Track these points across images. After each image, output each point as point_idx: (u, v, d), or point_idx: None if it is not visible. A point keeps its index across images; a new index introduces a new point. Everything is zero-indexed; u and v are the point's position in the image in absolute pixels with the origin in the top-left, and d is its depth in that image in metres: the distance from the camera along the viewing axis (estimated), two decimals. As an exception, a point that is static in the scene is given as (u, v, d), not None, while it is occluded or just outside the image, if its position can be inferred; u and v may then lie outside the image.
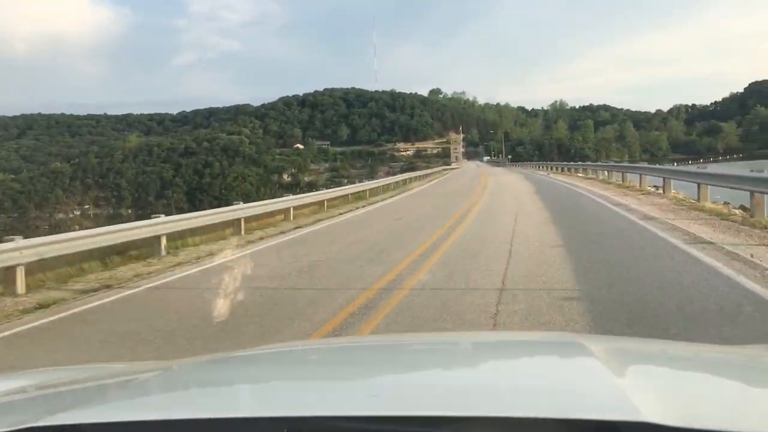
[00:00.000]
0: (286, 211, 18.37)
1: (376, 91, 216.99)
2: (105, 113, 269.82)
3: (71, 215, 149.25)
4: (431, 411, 1.12)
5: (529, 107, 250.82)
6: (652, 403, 1.12)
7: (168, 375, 1.86)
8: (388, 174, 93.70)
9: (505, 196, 24.89)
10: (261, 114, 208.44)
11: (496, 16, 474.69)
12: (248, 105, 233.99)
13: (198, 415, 1.23)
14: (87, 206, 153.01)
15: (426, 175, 52.79)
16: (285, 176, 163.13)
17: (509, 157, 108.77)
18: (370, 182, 33.13)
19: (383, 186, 32.20)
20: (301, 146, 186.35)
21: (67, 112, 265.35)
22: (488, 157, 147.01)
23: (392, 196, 28.28)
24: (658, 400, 1.16)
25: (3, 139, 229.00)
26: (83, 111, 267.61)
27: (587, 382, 1.48)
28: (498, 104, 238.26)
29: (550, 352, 1.98)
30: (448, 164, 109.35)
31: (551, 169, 55.04)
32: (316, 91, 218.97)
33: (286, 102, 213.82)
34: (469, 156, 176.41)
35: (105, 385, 1.80)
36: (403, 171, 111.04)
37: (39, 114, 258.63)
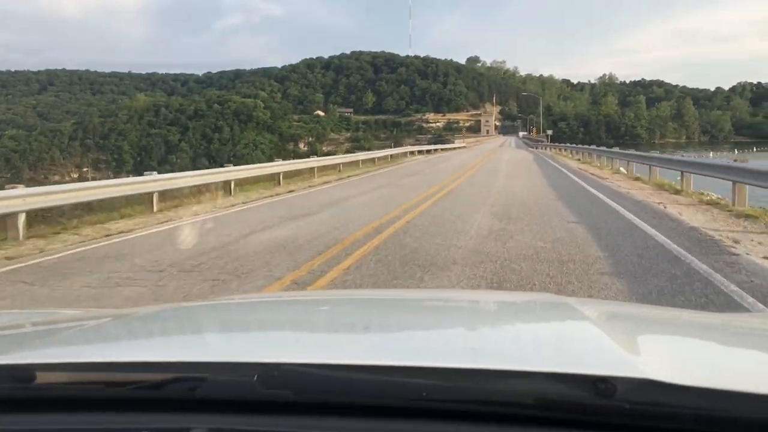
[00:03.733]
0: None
1: (407, 57, 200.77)
2: (129, 71, 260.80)
3: (68, 178, 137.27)
4: (411, 361, 1.08)
5: (574, 81, 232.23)
6: (647, 360, 1.11)
7: (128, 320, 1.80)
8: (430, 143, 78.57)
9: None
10: (281, 77, 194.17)
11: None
12: (275, 68, 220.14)
13: (154, 358, 1.13)
14: (86, 169, 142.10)
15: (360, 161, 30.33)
16: (301, 145, 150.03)
17: (548, 133, 79.69)
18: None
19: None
20: (321, 113, 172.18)
21: (92, 69, 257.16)
22: (524, 133, 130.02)
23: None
24: (652, 358, 1.14)
25: (23, 95, 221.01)
26: (108, 68, 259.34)
27: (580, 339, 1.44)
28: (541, 76, 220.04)
29: (540, 311, 1.91)
30: (444, 142, 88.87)
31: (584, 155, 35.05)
32: (342, 54, 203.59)
33: (309, 64, 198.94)
34: (505, 131, 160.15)
35: (58, 329, 1.71)
36: (430, 143, 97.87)
37: (62, 69, 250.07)
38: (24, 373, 1.07)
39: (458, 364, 1.06)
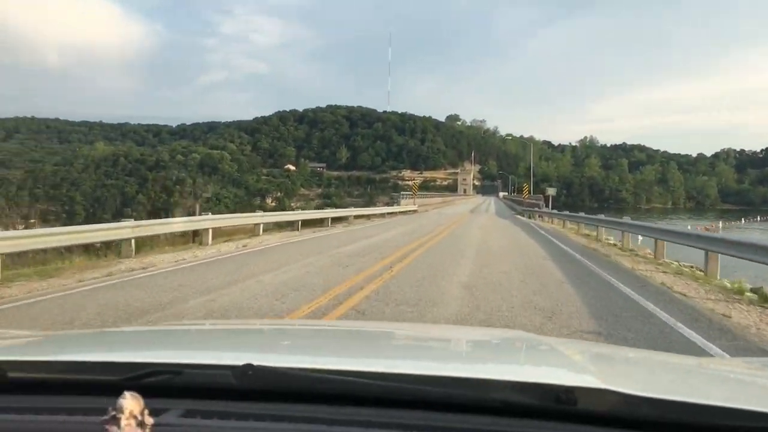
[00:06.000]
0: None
1: (385, 112, 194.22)
2: (100, 120, 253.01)
3: (11, 230, 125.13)
4: (374, 368, 1.20)
5: (555, 143, 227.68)
6: (605, 376, 1.29)
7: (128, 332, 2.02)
8: (386, 205, 68.51)
9: None
10: (252, 129, 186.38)
11: (519, 55, 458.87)
12: (247, 120, 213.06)
13: (138, 359, 1.25)
14: (33, 220, 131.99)
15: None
16: (269, 200, 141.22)
17: (549, 194, 49.32)
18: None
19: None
20: (292, 167, 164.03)
21: (62, 117, 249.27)
22: (505, 193, 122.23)
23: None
24: (609, 375, 1.36)
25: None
26: (78, 117, 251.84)
27: (548, 360, 1.65)
28: (522, 136, 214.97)
29: (509, 339, 2.19)
30: (390, 203, 55.31)
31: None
32: (317, 107, 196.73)
33: (282, 117, 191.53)
34: (485, 191, 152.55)
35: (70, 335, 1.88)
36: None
37: (31, 117, 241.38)
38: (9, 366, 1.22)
39: (431, 372, 1.17)
